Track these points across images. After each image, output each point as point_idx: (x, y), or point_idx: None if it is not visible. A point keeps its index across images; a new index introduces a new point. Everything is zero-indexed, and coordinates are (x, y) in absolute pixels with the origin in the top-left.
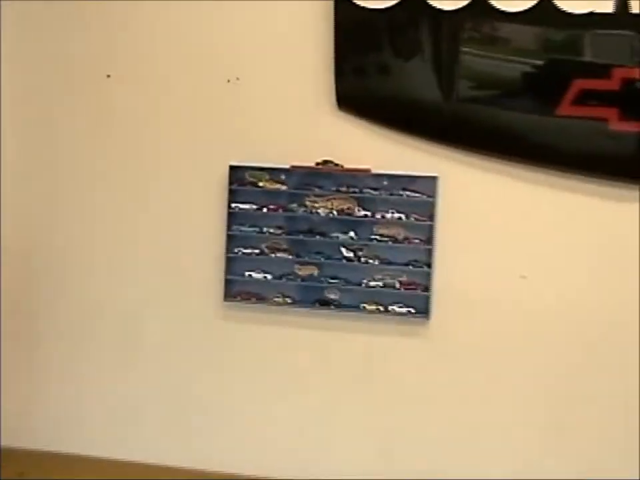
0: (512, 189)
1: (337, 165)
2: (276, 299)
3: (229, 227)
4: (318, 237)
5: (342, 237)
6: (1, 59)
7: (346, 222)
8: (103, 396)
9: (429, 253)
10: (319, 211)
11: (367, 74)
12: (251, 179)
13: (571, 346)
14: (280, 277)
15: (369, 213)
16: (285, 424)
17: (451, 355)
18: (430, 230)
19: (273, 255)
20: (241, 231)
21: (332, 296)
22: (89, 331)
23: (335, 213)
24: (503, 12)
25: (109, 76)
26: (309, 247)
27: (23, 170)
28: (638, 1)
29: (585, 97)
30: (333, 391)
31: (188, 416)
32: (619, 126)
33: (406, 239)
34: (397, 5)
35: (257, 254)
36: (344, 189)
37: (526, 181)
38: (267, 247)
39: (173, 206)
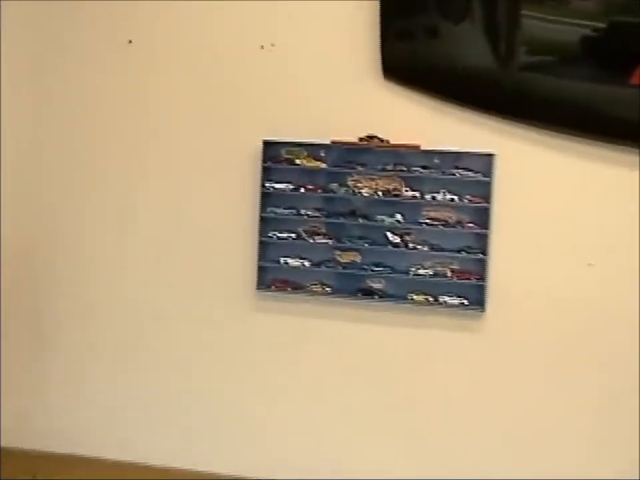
0: (578, 168)
1: (382, 140)
2: (314, 288)
3: (262, 209)
4: (361, 220)
5: (387, 220)
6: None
7: (392, 204)
8: (117, 397)
9: (484, 238)
10: (362, 191)
11: (415, 38)
12: (287, 156)
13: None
14: (319, 264)
15: (417, 194)
16: (323, 425)
17: (510, 353)
18: (485, 213)
19: (311, 240)
20: (275, 213)
21: (376, 285)
22: (102, 329)
23: (379, 193)
24: None
25: (130, 41)
26: (350, 231)
27: (31, 163)
28: None
29: None
30: (376, 391)
31: (218, 418)
32: None
33: (458, 222)
34: None
35: (294, 238)
36: (390, 167)
37: (594, 160)
38: (304, 231)
39: (199, 186)
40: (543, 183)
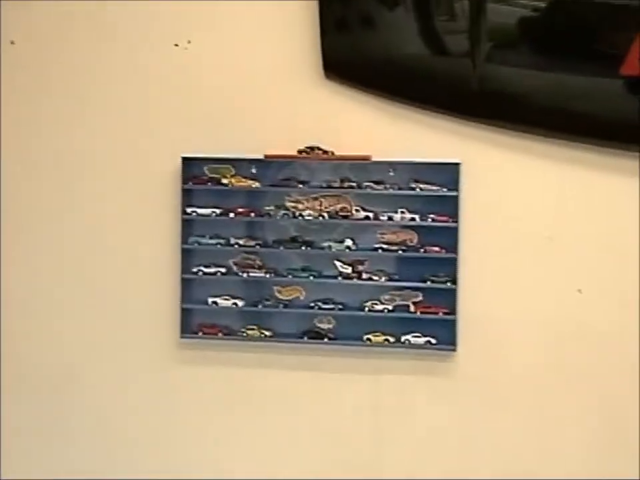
0: (563, 177)
1: (325, 152)
2: (250, 333)
3: (183, 239)
4: (303, 248)
5: (335, 247)
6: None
7: (340, 227)
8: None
9: (453, 264)
10: (303, 213)
11: (358, 28)
12: (212, 175)
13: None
14: (255, 304)
15: (370, 215)
16: None
17: (487, 399)
18: (453, 233)
19: (244, 275)
20: (200, 243)
21: (325, 326)
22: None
23: (325, 215)
24: None
25: (12, 42)
26: (291, 262)
27: None
28: None
29: None
30: (331, 452)
31: None
32: None
33: (421, 246)
34: None
35: (223, 273)
36: (336, 183)
37: (579, 167)
38: (235, 264)
39: (107, 214)
40: (519, 196)
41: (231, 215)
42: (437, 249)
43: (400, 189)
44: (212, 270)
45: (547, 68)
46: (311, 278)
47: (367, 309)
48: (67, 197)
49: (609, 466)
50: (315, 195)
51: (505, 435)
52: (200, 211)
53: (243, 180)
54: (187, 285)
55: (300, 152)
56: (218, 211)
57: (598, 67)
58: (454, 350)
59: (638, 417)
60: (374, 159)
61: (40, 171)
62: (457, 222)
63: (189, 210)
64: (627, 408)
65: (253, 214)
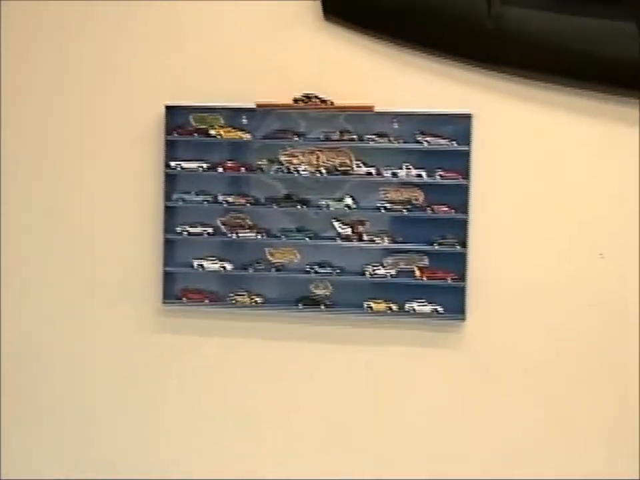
0: (585, 130)
1: (324, 101)
2: (239, 299)
3: (167, 196)
4: (299, 206)
5: (334, 205)
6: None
7: (339, 184)
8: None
9: (463, 225)
10: (299, 168)
11: None
12: (198, 125)
13: None
14: (245, 267)
15: (372, 170)
16: (260, 465)
17: (497, 372)
18: (463, 192)
19: (233, 235)
20: (184, 200)
21: (321, 292)
22: None
23: (322, 171)
24: None
25: None
26: (285, 221)
27: None
28: None
29: None
30: (327, 430)
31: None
32: None
33: (428, 206)
34: None
35: (210, 234)
36: (335, 136)
37: (607, 117)
38: (223, 224)
39: (82, 167)
40: (535, 151)
41: (219, 169)
42: (445, 208)
43: (405, 142)
44: (198, 230)
45: (566, 10)
46: (307, 239)
47: (367, 273)
48: (34, 145)
49: (621, 443)
50: (311, 149)
51: (514, 409)
52: (185, 164)
53: (233, 131)
54: (169, 246)
55: (296, 101)
56: (205, 165)
57: (618, 9)
58: (463, 320)
59: None
60: (377, 109)
61: (15, 121)
62: (467, 179)
63: (172, 164)
64: None
65: (243, 169)
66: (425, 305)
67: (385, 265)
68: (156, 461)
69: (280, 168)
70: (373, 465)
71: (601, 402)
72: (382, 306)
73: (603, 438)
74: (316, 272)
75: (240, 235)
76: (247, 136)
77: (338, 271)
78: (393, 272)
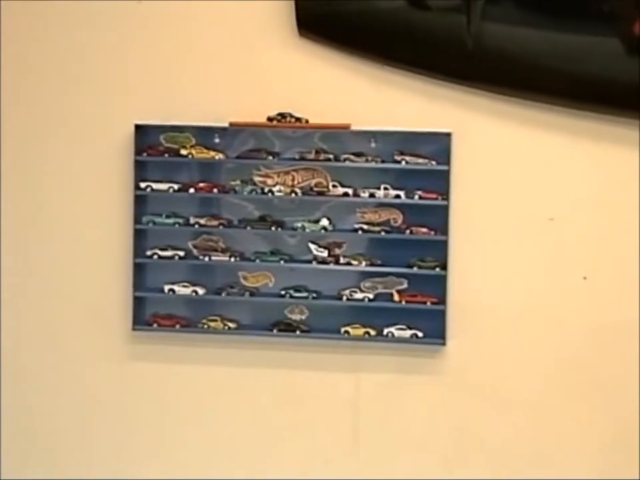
0: (568, 150)
1: (299, 119)
2: (212, 324)
3: (136, 218)
4: (273, 228)
5: (310, 227)
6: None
7: (316, 205)
8: None
9: (443, 247)
10: (273, 189)
11: None
12: (169, 145)
13: None
14: (217, 291)
15: (349, 191)
16: None
17: (480, 400)
18: (442, 213)
19: (205, 259)
20: (155, 223)
21: (297, 316)
22: None
23: (298, 192)
24: None
25: None
26: (260, 244)
27: None
28: None
29: None
30: (305, 462)
31: None
32: None
33: (407, 227)
34: None
35: (181, 257)
36: (311, 155)
37: (590, 137)
38: (195, 247)
39: (49, 189)
40: (517, 171)
41: (191, 190)
42: (424, 230)
43: (383, 161)
44: (169, 253)
45: (547, 26)
46: (282, 262)
47: (344, 297)
48: (7, 167)
49: (610, 463)
50: (286, 169)
51: (500, 441)
52: (155, 185)
53: (205, 151)
54: (139, 270)
55: (270, 119)
56: (176, 186)
57: (599, 26)
58: (443, 344)
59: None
60: (353, 127)
61: None
62: (447, 200)
63: (142, 184)
64: (631, 405)
65: (215, 189)
66: (404, 330)
67: (362, 288)
68: None
69: (254, 189)
70: None
71: (584, 421)
72: (360, 331)
73: (595, 457)
74: (291, 296)
75: (212, 258)
76: (219, 156)
77: (314, 295)
78: (370, 296)
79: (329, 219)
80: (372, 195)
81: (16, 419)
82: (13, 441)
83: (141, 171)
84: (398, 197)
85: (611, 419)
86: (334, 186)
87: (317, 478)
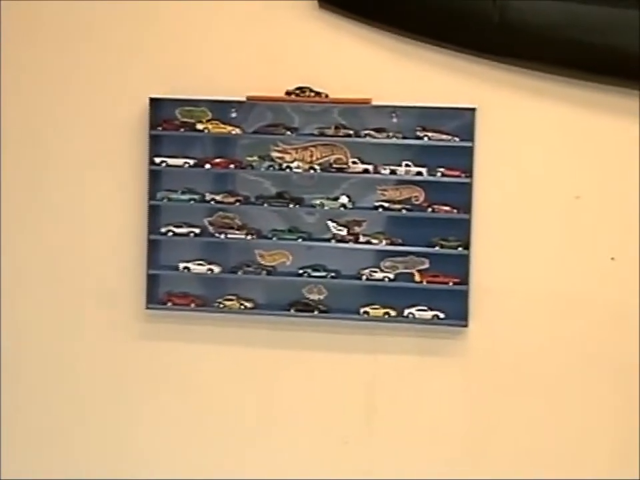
0: (596, 126)
1: (318, 94)
2: (227, 303)
3: (151, 195)
4: (291, 205)
5: (329, 205)
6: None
7: (335, 182)
8: None
9: (466, 226)
10: (291, 165)
11: None
12: (185, 119)
13: None
14: (233, 270)
15: (370, 168)
16: None
17: (501, 384)
18: (466, 191)
19: (221, 236)
20: (169, 199)
21: (315, 296)
22: None
23: (317, 168)
24: None
25: None
26: (277, 221)
27: None
28: None
29: None
30: (320, 442)
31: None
32: None
33: (429, 205)
34: None
35: (197, 234)
36: (330, 131)
37: (620, 113)
38: (211, 224)
39: (63, 164)
40: (542, 148)
41: (207, 166)
42: (446, 208)
43: (404, 137)
44: (183, 230)
45: None
46: (299, 241)
47: (364, 277)
48: (21, 143)
49: (632, 445)
50: (305, 144)
51: (520, 424)
52: (170, 161)
53: (222, 126)
54: (154, 248)
55: (288, 93)
56: (191, 161)
57: None
58: (465, 326)
59: None
60: (374, 102)
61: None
62: (470, 177)
63: (157, 160)
64: None
65: (232, 165)
66: (425, 311)
67: (382, 268)
68: (139, 464)
69: (271, 165)
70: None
71: (607, 404)
72: (379, 312)
73: (617, 439)
74: (309, 275)
75: (228, 235)
76: (236, 131)
77: (333, 274)
78: (391, 275)
79: (348, 196)
80: (393, 172)
81: (24, 399)
82: (23, 419)
83: (156, 145)
84: (420, 174)
85: (635, 401)
86: (354, 162)
87: (333, 458)
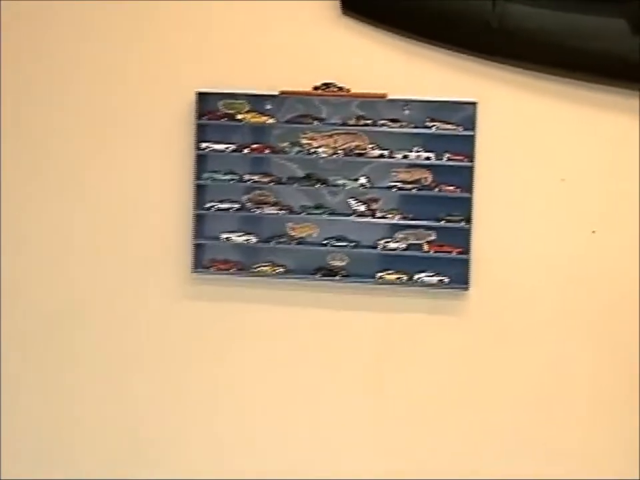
0: (581, 118)
1: (341, 89)
2: (263, 269)
3: (197, 175)
4: (318, 185)
5: (350, 184)
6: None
7: (355, 165)
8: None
9: (467, 203)
10: (318, 150)
11: None
12: (227, 110)
13: None
14: (268, 240)
15: (385, 153)
16: (277, 434)
17: (499, 339)
18: (468, 173)
19: (257, 211)
20: (214, 179)
21: (338, 263)
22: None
23: (340, 153)
24: None
25: None
26: (305, 199)
27: None
28: None
29: None
30: (340, 388)
31: (145, 430)
32: None
33: (436, 185)
34: None
35: (236, 209)
36: (352, 121)
37: (596, 107)
38: (249, 200)
39: (122, 148)
40: (534, 137)
41: (245, 151)
42: (451, 188)
43: (415, 127)
44: (225, 206)
45: (563, 8)
46: (325, 216)
47: (380, 247)
48: (80, 130)
49: (624, 409)
50: (330, 133)
51: (514, 373)
52: (214, 146)
53: (258, 116)
54: (200, 221)
55: (316, 88)
56: (232, 146)
57: (608, 8)
58: (466, 289)
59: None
60: (390, 96)
61: (49, 100)
62: (472, 161)
63: (203, 145)
64: (632, 350)
65: (267, 150)
66: (432, 276)
67: (395, 239)
68: (185, 422)
69: (301, 150)
70: (375, 426)
71: (606, 372)
72: (393, 277)
73: (609, 402)
74: (333, 245)
75: (264, 211)
76: (270, 120)
77: (353, 244)
78: (403, 245)
79: (367, 177)
80: (405, 157)
81: (77, 357)
82: (75, 379)
83: (202, 133)
84: (428, 158)
85: (613, 361)
86: (372, 148)
87: (350, 401)
